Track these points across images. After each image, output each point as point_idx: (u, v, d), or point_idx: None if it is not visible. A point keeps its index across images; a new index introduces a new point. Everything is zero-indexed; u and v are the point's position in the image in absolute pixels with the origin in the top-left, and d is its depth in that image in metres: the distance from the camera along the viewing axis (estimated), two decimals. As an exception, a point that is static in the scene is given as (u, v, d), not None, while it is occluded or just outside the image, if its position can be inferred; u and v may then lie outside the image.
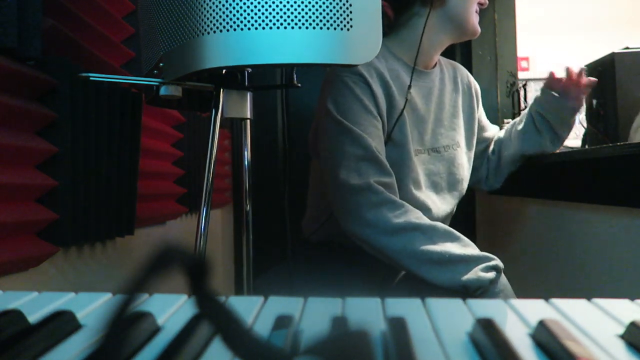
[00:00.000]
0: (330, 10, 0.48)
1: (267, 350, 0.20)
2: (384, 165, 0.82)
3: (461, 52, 1.72)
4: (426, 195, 0.92)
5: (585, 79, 1.00)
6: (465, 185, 1.00)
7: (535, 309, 0.32)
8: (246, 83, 0.65)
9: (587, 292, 1.23)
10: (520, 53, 1.77)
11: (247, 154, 0.68)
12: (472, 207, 1.77)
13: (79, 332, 0.29)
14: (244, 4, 0.47)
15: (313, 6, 0.47)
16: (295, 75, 0.67)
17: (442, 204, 0.95)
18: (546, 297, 0.34)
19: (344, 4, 0.48)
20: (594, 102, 1.31)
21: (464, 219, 1.69)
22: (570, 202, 1.33)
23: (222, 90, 0.63)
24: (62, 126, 0.73)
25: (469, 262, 0.73)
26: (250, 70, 0.66)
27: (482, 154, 1.13)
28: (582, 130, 1.80)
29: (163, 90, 0.59)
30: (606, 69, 1.19)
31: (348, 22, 0.48)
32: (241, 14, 0.47)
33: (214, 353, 0.26)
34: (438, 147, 0.95)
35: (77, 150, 0.76)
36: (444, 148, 0.95)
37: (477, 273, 0.72)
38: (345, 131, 0.82)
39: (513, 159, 1.10)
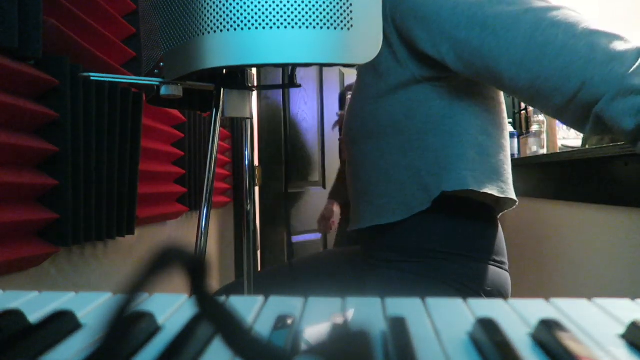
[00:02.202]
0: (331, 10, 0.48)
1: (268, 350, 0.20)
2: None
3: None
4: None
5: None
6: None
7: (536, 309, 0.32)
8: (246, 82, 0.65)
9: (588, 291, 1.23)
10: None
11: (248, 154, 0.68)
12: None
13: (79, 331, 0.29)
14: (245, 3, 0.47)
15: (313, 6, 0.47)
16: (296, 75, 0.67)
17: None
18: (546, 296, 0.34)
19: (344, 4, 0.48)
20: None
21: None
22: (570, 202, 1.33)
23: (222, 89, 0.63)
24: (62, 126, 0.73)
25: None
26: (253, 70, 0.66)
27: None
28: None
29: (164, 90, 0.59)
30: (607, 69, 1.18)
31: (349, 22, 0.49)
32: (242, 14, 0.47)
33: (214, 353, 0.26)
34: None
35: (78, 149, 0.76)
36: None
37: None
38: None
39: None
